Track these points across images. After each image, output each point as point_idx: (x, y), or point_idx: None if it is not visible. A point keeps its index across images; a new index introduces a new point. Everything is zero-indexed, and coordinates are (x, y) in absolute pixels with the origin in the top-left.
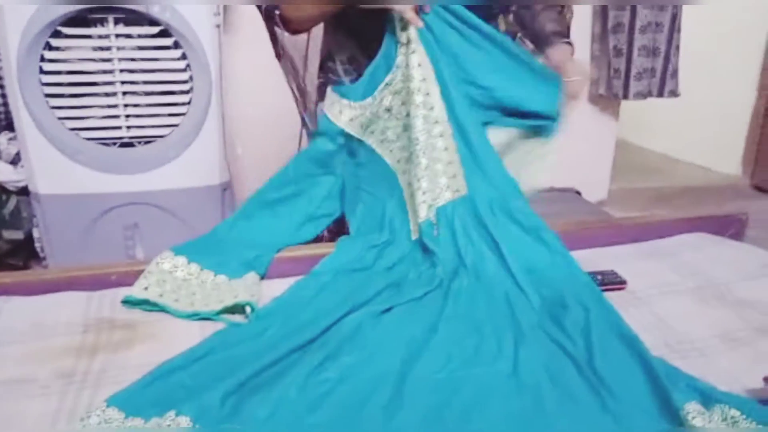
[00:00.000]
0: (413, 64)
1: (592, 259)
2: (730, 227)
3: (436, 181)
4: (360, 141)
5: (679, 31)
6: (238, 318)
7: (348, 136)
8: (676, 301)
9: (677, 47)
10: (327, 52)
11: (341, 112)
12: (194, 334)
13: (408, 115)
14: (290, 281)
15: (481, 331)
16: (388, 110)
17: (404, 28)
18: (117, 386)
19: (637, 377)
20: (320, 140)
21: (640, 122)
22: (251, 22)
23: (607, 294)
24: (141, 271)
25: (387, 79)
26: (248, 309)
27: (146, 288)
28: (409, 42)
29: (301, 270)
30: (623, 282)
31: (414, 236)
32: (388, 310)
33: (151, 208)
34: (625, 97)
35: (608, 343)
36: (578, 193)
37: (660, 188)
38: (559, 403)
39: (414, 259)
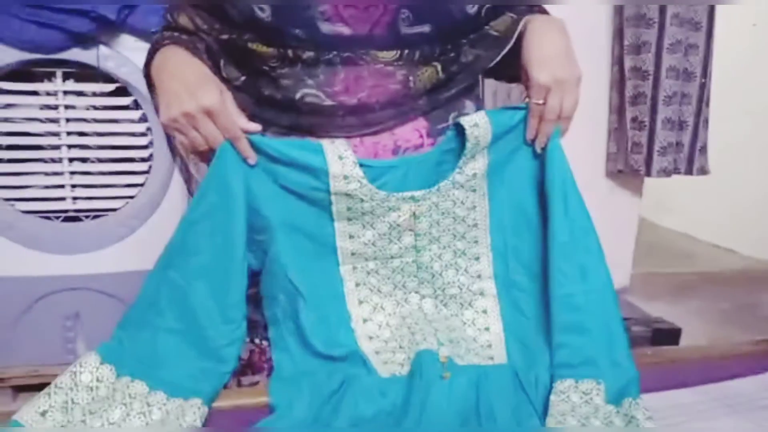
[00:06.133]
0: (469, 197)
1: (652, 410)
2: None
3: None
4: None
5: (708, 104)
6: None
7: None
8: None
9: (706, 121)
10: None
11: (342, 160)
12: None
13: (418, 248)
14: None
15: None
16: (393, 227)
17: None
18: None
19: None
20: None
21: (657, 199)
22: None
23: None
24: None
25: (418, 194)
26: None
27: (44, 413)
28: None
29: (230, 427)
30: None
31: (382, 371)
32: None
33: (96, 295)
34: (648, 174)
35: None
36: None
37: (684, 274)
38: None
39: (392, 407)
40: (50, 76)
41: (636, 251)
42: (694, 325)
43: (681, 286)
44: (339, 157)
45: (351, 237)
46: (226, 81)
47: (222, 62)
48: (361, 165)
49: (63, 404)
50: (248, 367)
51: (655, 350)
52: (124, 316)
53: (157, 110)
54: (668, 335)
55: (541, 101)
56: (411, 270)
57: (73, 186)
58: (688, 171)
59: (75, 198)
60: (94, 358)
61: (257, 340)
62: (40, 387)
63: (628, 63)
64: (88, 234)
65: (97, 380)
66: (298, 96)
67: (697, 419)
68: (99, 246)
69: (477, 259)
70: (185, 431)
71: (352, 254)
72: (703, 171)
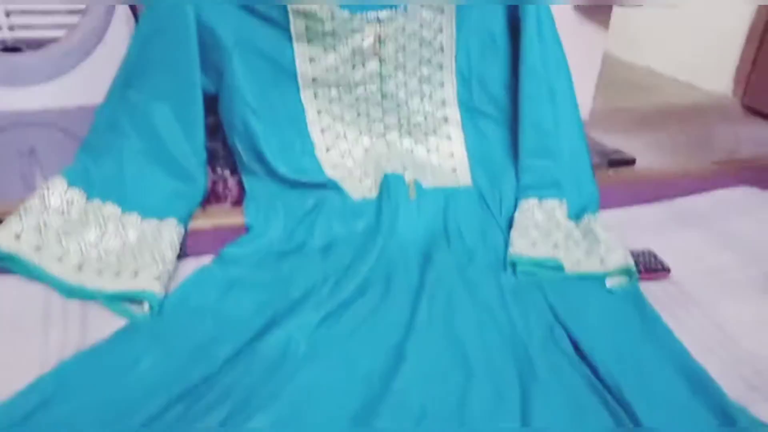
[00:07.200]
0: (437, 18)
1: (611, 225)
2: None
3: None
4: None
5: None
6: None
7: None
8: (736, 298)
9: None
10: None
11: None
12: (28, 368)
13: (383, 75)
14: (188, 266)
15: (469, 361)
16: (356, 52)
17: None
18: None
19: None
20: None
21: (622, 34)
22: None
23: (643, 285)
24: None
25: (383, 15)
26: (145, 305)
27: (18, 235)
28: None
29: (204, 248)
30: (666, 269)
31: (353, 195)
32: (328, 318)
33: (49, 130)
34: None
35: (665, 389)
36: None
37: (643, 108)
38: None
39: (364, 227)
40: None
41: (597, 85)
42: (650, 157)
43: (639, 119)
44: None
45: (312, 60)
46: None
47: None
48: None
49: (36, 226)
50: (212, 196)
51: (615, 171)
52: (85, 140)
53: None
54: (623, 165)
55: None
56: (375, 99)
57: (8, 13)
58: None
59: (11, 26)
60: (61, 181)
61: (219, 170)
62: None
63: None
64: (32, 66)
65: (68, 203)
66: None
67: (652, 232)
68: (45, 79)
69: (441, 85)
70: (164, 249)
71: (313, 80)
72: None
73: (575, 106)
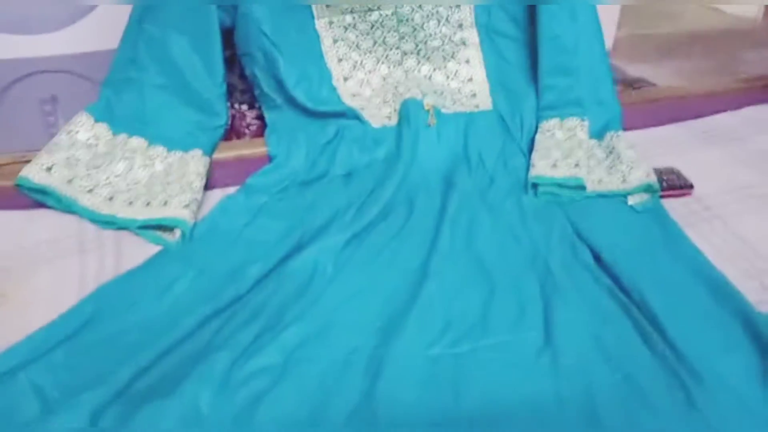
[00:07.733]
0: None
1: (635, 144)
2: None
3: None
4: None
5: None
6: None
7: None
8: (760, 213)
9: None
10: None
11: None
12: (68, 292)
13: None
14: (214, 197)
15: (492, 277)
16: None
17: None
18: None
19: (740, 352)
20: None
21: None
22: None
23: (666, 202)
24: None
25: None
26: (177, 232)
27: (50, 168)
28: None
29: (229, 180)
30: (689, 186)
31: (374, 122)
32: (353, 241)
33: (68, 76)
34: None
35: (689, 298)
36: None
37: (668, 35)
38: (623, 400)
39: (385, 154)
40: None
41: (621, 13)
42: (674, 84)
43: (664, 46)
44: None
45: None
46: None
47: None
48: None
49: (66, 160)
50: (231, 132)
51: (638, 91)
52: (107, 76)
53: None
54: None
55: None
56: (391, 24)
57: None
58: None
59: None
60: (87, 117)
61: (237, 105)
62: None
63: None
64: (48, 12)
65: (95, 137)
66: None
67: (676, 151)
68: (62, 25)
69: (458, 6)
70: (191, 178)
71: (328, 6)
72: None
73: (597, 23)
